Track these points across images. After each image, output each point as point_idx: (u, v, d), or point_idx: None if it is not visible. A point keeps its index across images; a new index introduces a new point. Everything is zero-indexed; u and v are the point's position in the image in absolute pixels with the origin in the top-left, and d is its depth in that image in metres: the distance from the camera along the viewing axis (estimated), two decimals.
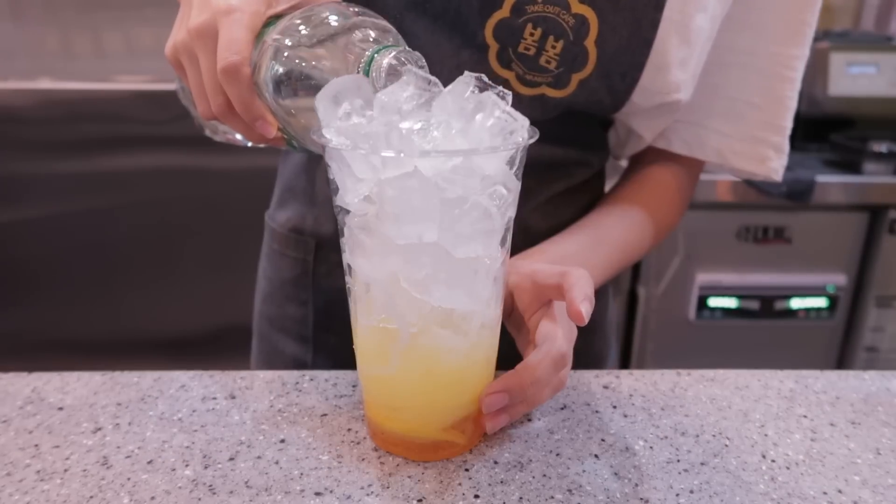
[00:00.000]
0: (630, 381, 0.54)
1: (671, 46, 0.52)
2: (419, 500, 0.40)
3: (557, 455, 0.45)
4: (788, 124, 0.60)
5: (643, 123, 0.60)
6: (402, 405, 0.43)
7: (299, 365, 0.67)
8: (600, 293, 0.69)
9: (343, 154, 0.37)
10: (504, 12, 0.51)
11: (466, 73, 0.39)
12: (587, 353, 0.69)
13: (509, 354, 0.48)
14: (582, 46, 0.52)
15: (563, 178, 0.60)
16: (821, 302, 1.50)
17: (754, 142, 0.60)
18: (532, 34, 0.51)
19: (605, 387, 0.53)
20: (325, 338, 0.66)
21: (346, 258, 0.42)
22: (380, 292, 0.40)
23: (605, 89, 0.54)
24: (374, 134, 0.36)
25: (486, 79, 0.38)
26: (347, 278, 0.43)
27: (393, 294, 0.39)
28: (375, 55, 0.37)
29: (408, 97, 0.37)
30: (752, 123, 0.60)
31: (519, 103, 0.54)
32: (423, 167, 0.35)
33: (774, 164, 0.61)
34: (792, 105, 0.60)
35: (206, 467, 0.43)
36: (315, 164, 0.64)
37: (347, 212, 0.40)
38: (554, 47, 0.52)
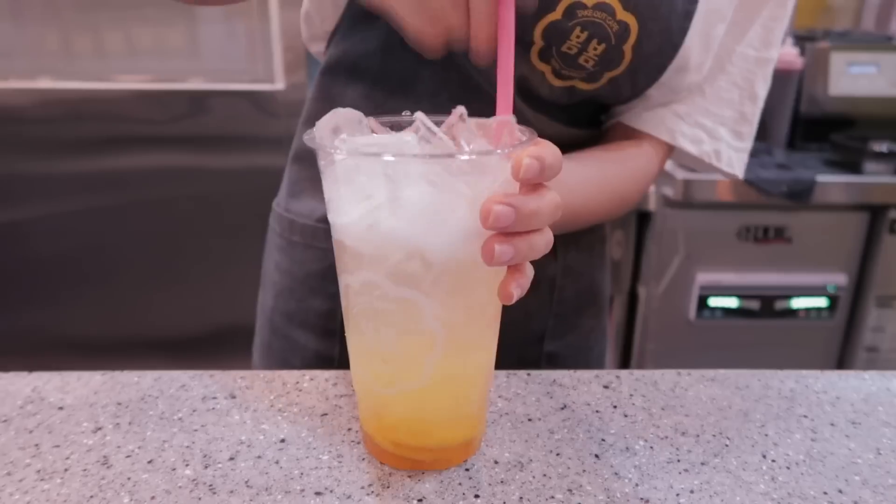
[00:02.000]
0: (630, 381, 0.54)
1: (693, 53, 0.57)
2: (419, 500, 0.40)
3: (557, 455, 0.45)
4: (722, 113, 0.63)
5: (641, 104, 0.64)
6: (433, 416, 0.43)
7: (323, 360, 0.66)
8: (600, 287, 0.71)
9: (346, 165, 0.37)
10: (556, 15, 0.53)
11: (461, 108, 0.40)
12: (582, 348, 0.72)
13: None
14: (620, 50, 0.55)
15: None
16: (821, 302, 1.50)
17: (695, 125, 0.64)
18: (578, 37, 0.54)
19: (605, 387, 0.53)
20: None
21: (360, 276, 0.40)
22: (412, 301, 0.39)
23: (630, 85, 0.58)
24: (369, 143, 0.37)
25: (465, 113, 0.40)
26: (360, 298, 0.41)
27: (423, 300, 0.38)
28: None
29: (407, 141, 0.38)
30: (697, 108, 0.63)
31: (550, 91, 0.58)
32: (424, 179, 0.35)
33: (706, 146, 0.64)
34: (727, 97, 0.63)
35: (206, 467, 0.43)
36: None
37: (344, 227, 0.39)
38: (595, 49, 0.55)
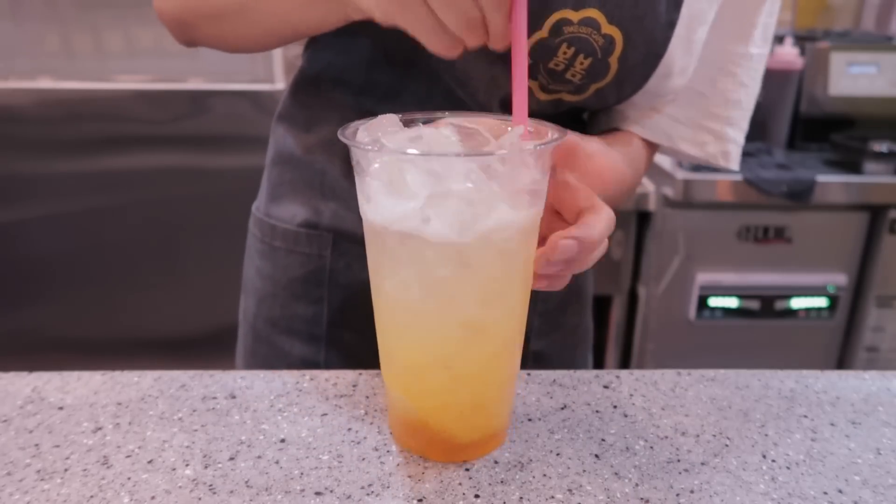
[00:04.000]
0: (630, 381, 0.54)
1: (677, 58, 0.57)
2: (419, 500, 0.40)
3: (557, 455, 0.45)
4: (729, 114, 0.64)
5: (628, 111, 0.64)
6: (462, 409, 0.44)
7: (309, 366, 0.66)
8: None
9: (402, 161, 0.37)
10: (543, 33, 0.53)
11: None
12: (565, 325, 0.73)
13: None
14: (606, 62, 0.55)
15: None
16: (821, 302, 1.50)
17: (697, 128, 0.64)
18: (565, 53, 0.54)
19: (605, 387, 0.53)
20: (340, 335, 0.65)
21: (397, 275, 0.40)
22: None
23: (615, 94, 0.59)
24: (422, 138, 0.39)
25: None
26: (395, 296, 0.41)
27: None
28: None
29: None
30: (697, 111, 0.64)
31: (537, 105, 0.58)
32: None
33: (711, 148, 0.65)
34: (735, 98, 0.63)
35: (206, 467, 0.43)
36: (326, 155, 0.63)
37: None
38: (582, 64, 0.55)
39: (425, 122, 0.43)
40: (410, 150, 0.37)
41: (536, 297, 0.69)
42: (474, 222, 0.37)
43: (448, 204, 0.37)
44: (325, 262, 0.64)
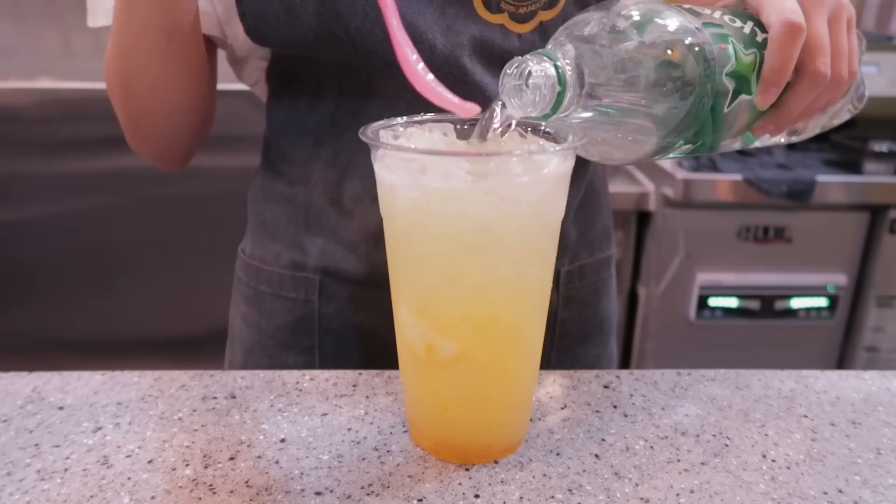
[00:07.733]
0: (630, 381, 0.54)
1: None
2: (419, 500, 0.40)
3: (557, 455, 0.45)
4: None
5: None
6: (488, 410, 0.44)
7: None
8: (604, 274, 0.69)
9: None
10: None
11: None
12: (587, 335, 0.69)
13: None
14: None
15: None
16: (821, 302, 1.50)
17: None
18: None
19: (606, 387, 0.53)
20: None
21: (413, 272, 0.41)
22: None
23: None
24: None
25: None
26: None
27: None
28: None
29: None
30: None
31: (521, 42, 0.54)
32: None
33: None
34: None
35: (206, 467, 0.43)
36: (312, 188, 0.59)
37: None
38: None
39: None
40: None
41: (555, 331, 0.64)
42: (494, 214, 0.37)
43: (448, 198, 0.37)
44: (313, 308, 0.60)
